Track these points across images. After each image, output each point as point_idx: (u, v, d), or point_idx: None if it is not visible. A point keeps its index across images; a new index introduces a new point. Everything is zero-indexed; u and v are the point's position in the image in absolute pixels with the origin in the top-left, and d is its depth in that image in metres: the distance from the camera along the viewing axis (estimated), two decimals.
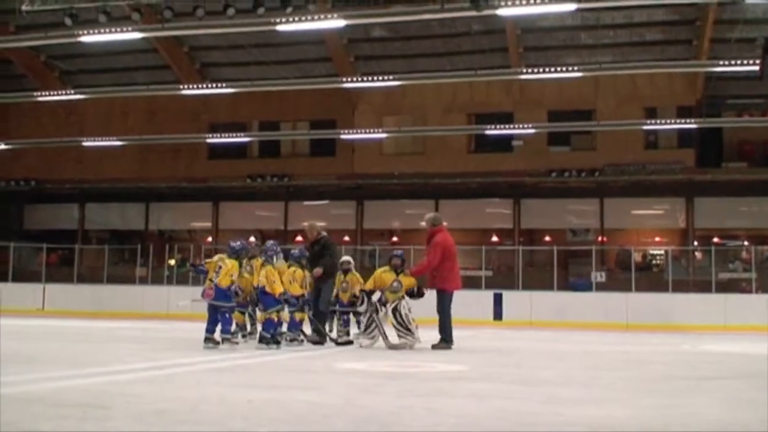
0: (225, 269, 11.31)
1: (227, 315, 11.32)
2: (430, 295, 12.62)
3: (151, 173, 33.33)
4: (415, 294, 12.67)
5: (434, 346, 12.17)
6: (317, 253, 13.41)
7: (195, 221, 35.30)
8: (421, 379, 7.64)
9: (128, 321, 22.51)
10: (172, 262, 31.05)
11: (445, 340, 12.22)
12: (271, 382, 7.26)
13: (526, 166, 30.24)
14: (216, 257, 11.73)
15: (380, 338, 12.45)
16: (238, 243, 11.90)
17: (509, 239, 31.28)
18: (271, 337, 11.44)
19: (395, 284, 12.51)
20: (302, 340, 12.81)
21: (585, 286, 26.37)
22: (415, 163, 31.45)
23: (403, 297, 12.52)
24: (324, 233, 13.97)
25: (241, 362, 9.25)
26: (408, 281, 12.65)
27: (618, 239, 30.94)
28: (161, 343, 12.90)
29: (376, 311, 12.44)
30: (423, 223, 13.50)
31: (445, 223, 13.29)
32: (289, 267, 12.43)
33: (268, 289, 11.45)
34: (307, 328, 13.11)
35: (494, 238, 31.32)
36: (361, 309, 12.72)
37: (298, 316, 12.53)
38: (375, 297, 12.63)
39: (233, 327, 11.84)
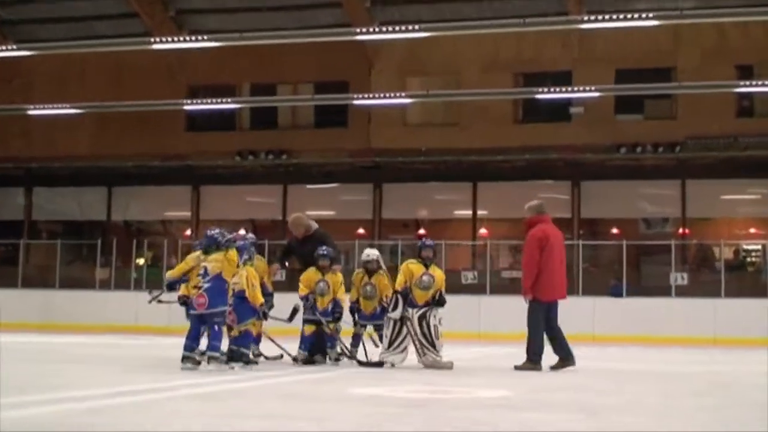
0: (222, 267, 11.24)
1: (216, 327, 11.27)
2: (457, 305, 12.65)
3: (115, 149, 33.42)
4: (438, 300, 12.75)
5: (517, 367, 12.29)
6: (312, 250, 13.47)
7: (170, 210, 35.46)
8: (454, 407, 7.66)
9: (87, 335, 22.65)
10: (141, 261, 31.19)
11: (532, 360, 12.33)
12: (268, 411, 7.29)
13: (588, 139, 30.17)
14: (192, 256, 11.65)
15: (407, 353, 12.58)
16: (216, 231, 11.75)
17: (566, 232, 31.19)
18: (243, 355, 11.64)
19: (425, 278, 12.65)
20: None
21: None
22: (447, 136, 31.44)
23: (436, 300, 12.64)
24: (315, 225, 14.04)
25: (232, 387, 9.30)
26: (440, 277, 12.85)
27: (703, 231, 30.85)
28: (129, 362, 12.99)
29: (401, 318, 12.57)
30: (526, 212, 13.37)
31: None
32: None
33: (248, 294, 11.50)
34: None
35: None
36: (394, 315, 12.69)
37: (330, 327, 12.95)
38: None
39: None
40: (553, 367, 12.33)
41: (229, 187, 33.77)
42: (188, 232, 33.73)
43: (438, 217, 33.09)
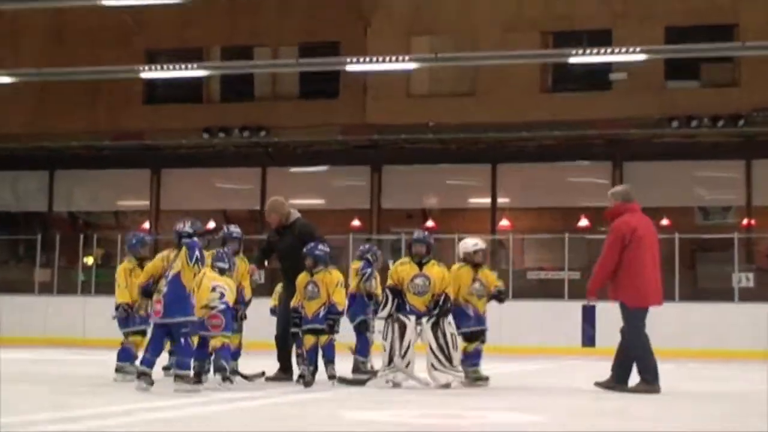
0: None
1: (183, 340, 11.24)
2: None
3: (58, 126, 33.42)
4: (440, 307, 12.64)
5: (631, 389, 12.16)
6: (291, 244, 13.48)
7: (125, 198, 35.49)
8: None
9: (24, 349, 22.63)
10: (90, 260, 31.18)
11: (647, 379, 12.16)
12: None
13: (632, 111, 30.17)
14: (160, 255, 11.75)
15: (411, 366, 12.56)
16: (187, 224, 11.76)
17: (606, 223, 31.21)
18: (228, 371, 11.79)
19: (418, 281, 12.57)
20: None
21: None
22: (461, 108, 31.45)
23: (441, 306, 12.53)
24: (297, 214, 14.00)
25: (200, 410, 9.28)
26: (440, 276, 12.65)
27: None
28: (76, 382, 12.96)
29: (401, 324, 12.48)
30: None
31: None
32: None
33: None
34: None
35: (583, 222, 31.29)
36: (383, 314, 12.65)
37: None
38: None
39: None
40: (600, 384, 12.26)
41: (196, 170, 33.78)
42: (146, 225, 33.73)
43: (450, 207, 33.12)
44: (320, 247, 12.89)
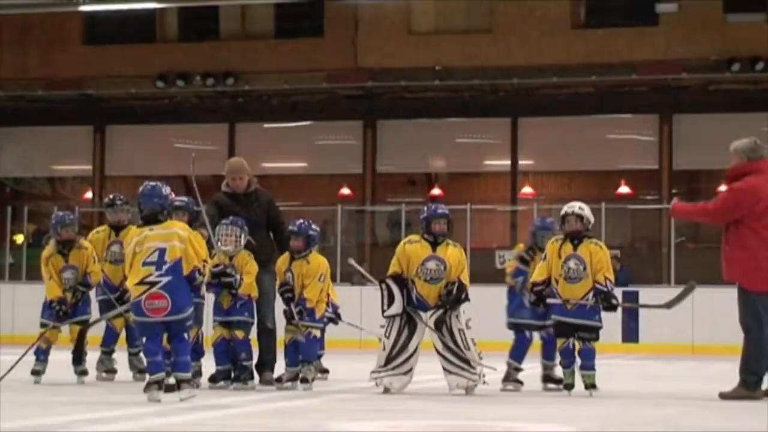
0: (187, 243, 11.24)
1: (186, 335, 11.22)
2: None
3: None
4: (453, 295, 12.57)
5: (724, 395, 12.04)
6: (258, 217, 13.66)
7: (62, 162, 35.53)
8: None
9: None
10: (20, 239, 31.25)
11: (746, 382, 11.96)
12: None
13: (683, 52, 30.24)
14: (133, 233, 11.70)
15: (411, 377, 12.67)
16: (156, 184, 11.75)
17: (652, 190, 31.36)
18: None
19: (431, 264, 12.40)
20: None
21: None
22: (474, 49, 31.51)
23: (454, 297, 12.53)
24: (256, 181, 14.10)
25: (158, 422, 9.39)
26: (456, 258, 12.56)
27: None
28: (18, 391, 13.06)
29: (411, 323, 12.54)
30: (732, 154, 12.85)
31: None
32: None
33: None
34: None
35: (623, 189, 31.39)
36: (392, 311, 12.50)
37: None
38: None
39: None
40: (725, 395, 11.99)
41: (150, 126, 33.84)
42: (89, 194, 33.80)
43: (460, 170, 33.22)
44: (313, 226, 13.14)
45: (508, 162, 32.14)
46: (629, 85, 30.89)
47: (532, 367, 12.97)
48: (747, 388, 11.88)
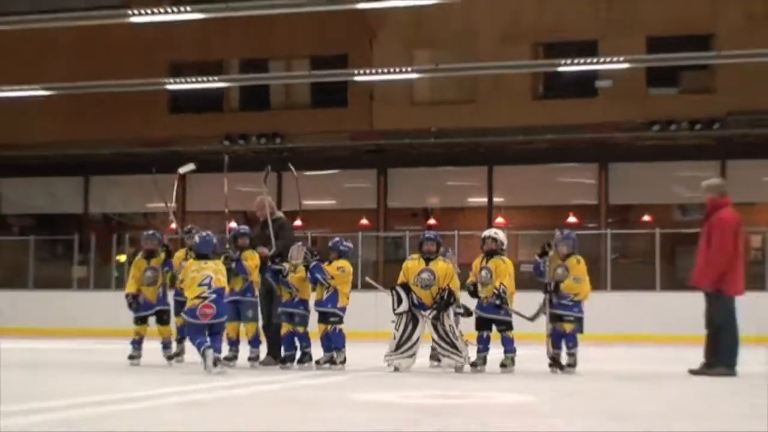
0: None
1: (221, 332, 12.21)
2: None
3: (91, 135, 33.41)
4: (443, 300, 12.69)
5: (695, 372, 12.08)
6: (265, 238, 13.87)
7: (153, 200, 35.44)
8: (474, 414, 7.72)
9: (64, 340, 22.70)
10: (123, 257, 31.20)
11: (726, 363, 11.92)
12: (266, 421, 7.37)
13: (617, 116, 30.17)
14: (190, 263, 12.25)
15: (416, 359, 12.71)
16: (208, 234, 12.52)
17: (593, 220, 31.28)
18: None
19: (424, 275, 12.67)
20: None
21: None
22: (460, 115, 31.43)
23: (444, 300, 12.61)
24: (280, 214, 14.25)
25: (224, 394, 9.37)
26: (444, 271, 12.73)
27: (746, 218, 30.67)
28: (112, 369, 13.08)
29: (414, 319, 12.62)
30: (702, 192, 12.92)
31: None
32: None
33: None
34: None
35: (571, 219, 31.31)
36: (401, 309, 12.68)
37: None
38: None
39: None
40: (696, 372, 12.05)
41: (218, 174, 33.63)
42: (173, 225, 33.69)
43: (450, 206, 33.13)
44: (344, 243, 13.38)
45: (486, 199, 32.11)
46: (576, 142, 30.80)
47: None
48: (729, 367, 11.85)
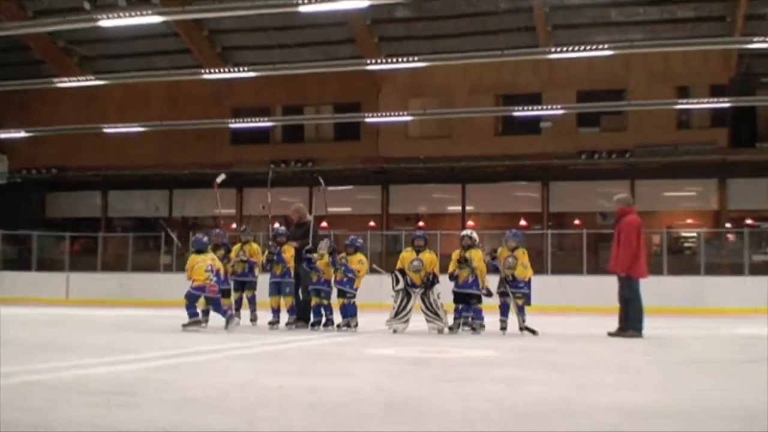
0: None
1: (220, 303, 12.92)
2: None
3: (174, 159, 33.43)
4: (429, 281, 12.70)
5: (612, 334, 11.93)
6: (299, 235, 13.81)
7: (218, 207, 35.36)
8: (452, 364, 7.69)
9: (153, 309, 22.70)
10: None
11: (636, 328, 11.79)
12: (300, 368, 7.33)
13: (555, 148, 30.11)
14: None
15: (409, 323, 12.67)
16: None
17: (538, 223, 31.19)
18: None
19: (415, 263, 12.70)
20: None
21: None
22: (442, 146, 31.40)
23: (430, 281, 12.65)
24: (310, 218, 14.18)
25: (270, 348, 9.33)
26: (430, 259, 12.77)
27: (649, 222, 30.71)
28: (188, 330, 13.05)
29: (408, 295, 12.65)
30: (613, 204, 12.93)
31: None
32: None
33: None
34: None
35: (522, 222, 31.21)
36: (398, 287, 12.72)
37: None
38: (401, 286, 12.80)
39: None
40: (613, 334, 11.92)
41: (265, 189, 33.61)
42: (233, 225, 33.71)
43: (434, 212, 33.03)
44: (359, 240, 13.50)
45: (460, 208, 32.05)
46: (526, 166, 30.70)
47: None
48: (637, 331, 11.76)
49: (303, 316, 13.48)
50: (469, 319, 12.76)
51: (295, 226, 14.28)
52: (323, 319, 13.16)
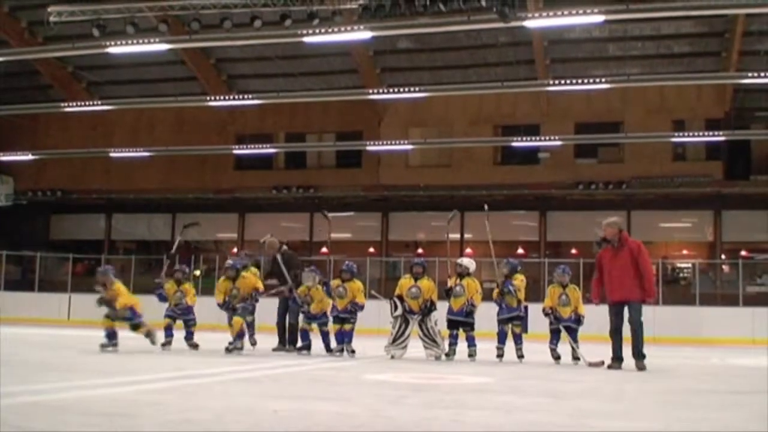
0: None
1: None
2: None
3: (178, 184, 33.48)
4: (426, 308, 12.63)
5: (610, 366, 11.38)
6: (276, 271, 13.70)
7: (221, 232, 35.44)
8: (447, 391, 7.63)
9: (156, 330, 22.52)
10: (198, 272, 31.11)
11: (643, 356, 11.16)
12: (298, 392, 7.28)
13: (553, 178, 30.16)
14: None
15: (407, 349, 12.60)
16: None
17: (535, 252, 31.15)
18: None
19: (413, 290, 12.61)
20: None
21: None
22: (441, 175, 31.46)
23: (428, 308, 12.58)
24: (285, 248, 14.04)
25: (269, 372, 9.28)
26: (428, 287, 12.68)
27: None
28: (189, 352, 12.99)
29: (406, 321, 12.59)
30: (603, 229, 12.51)
31: None
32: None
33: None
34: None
35: (520, 251, 31.18)
36: (396, 313, 12.67)
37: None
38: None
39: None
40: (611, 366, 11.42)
41: (268, 214, 33.75)
42: (235, 250, 33.69)
43: (433, 240, 32.95)
44: (354, 267, 13.16)
45: (459, 236, 31.98)
46: (524, 196, 30.75)
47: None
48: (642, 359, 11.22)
49: (292, 339, 13.42)
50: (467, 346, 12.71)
51: (271, 262, 14.06)
52: (311, 344, 13.07)
